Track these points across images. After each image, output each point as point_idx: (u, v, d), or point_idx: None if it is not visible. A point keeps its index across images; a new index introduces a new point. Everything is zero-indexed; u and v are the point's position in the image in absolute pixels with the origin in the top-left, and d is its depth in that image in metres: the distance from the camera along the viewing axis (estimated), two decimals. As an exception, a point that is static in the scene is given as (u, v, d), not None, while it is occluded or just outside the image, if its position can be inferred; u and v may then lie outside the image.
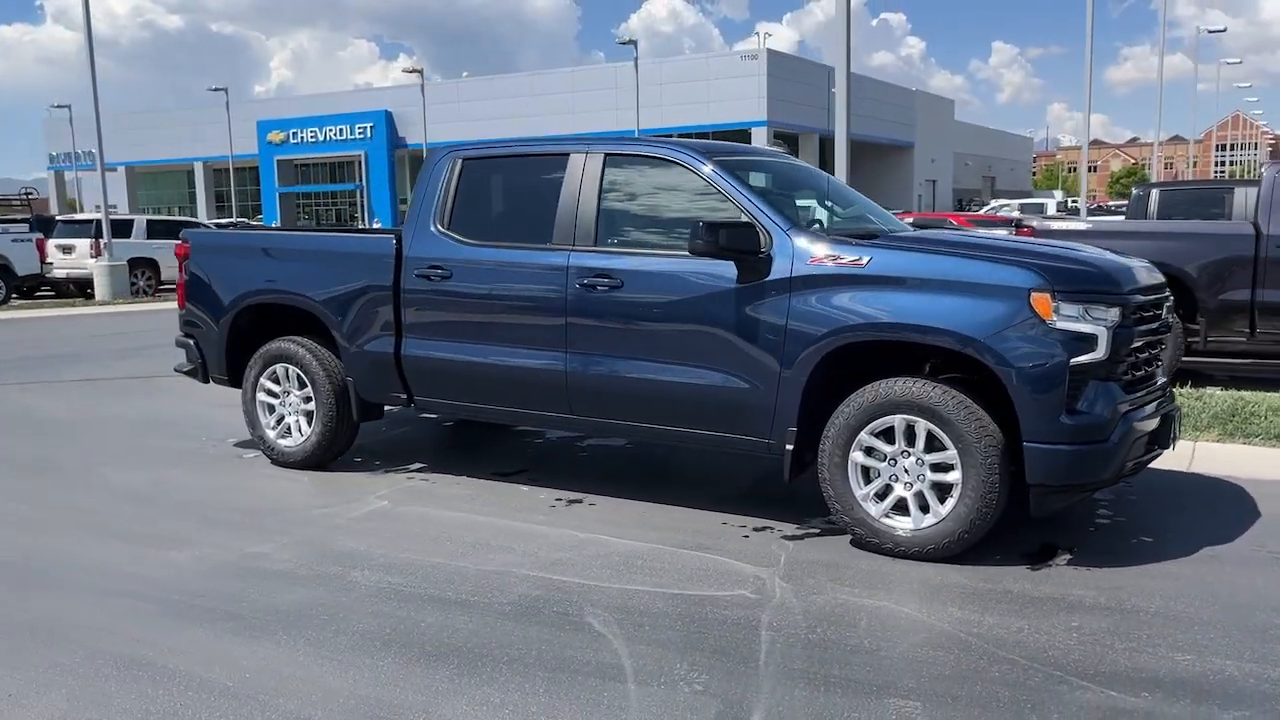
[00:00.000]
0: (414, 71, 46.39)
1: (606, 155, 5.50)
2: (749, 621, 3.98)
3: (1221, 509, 5.45)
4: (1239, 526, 5.10)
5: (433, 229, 5.89)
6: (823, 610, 4.10)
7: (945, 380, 4.65)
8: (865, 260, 4.75)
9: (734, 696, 3.35)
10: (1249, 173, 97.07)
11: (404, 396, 6.11)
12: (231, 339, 6.65)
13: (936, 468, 4.62)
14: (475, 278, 5.72)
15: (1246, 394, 8.00)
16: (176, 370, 7.17)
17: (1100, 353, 4.43)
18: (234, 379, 6.76)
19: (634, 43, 40.23)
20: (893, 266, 4.72)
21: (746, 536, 5.05)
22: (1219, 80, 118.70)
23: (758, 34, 60.31)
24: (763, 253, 4.90)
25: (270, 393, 6.53)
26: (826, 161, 59.85)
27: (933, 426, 4.58)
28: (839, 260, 4.79)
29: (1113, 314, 4.48)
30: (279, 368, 6.46)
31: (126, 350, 12.90)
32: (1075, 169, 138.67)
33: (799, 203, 5.87)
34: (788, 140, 60.06)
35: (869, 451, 4.76)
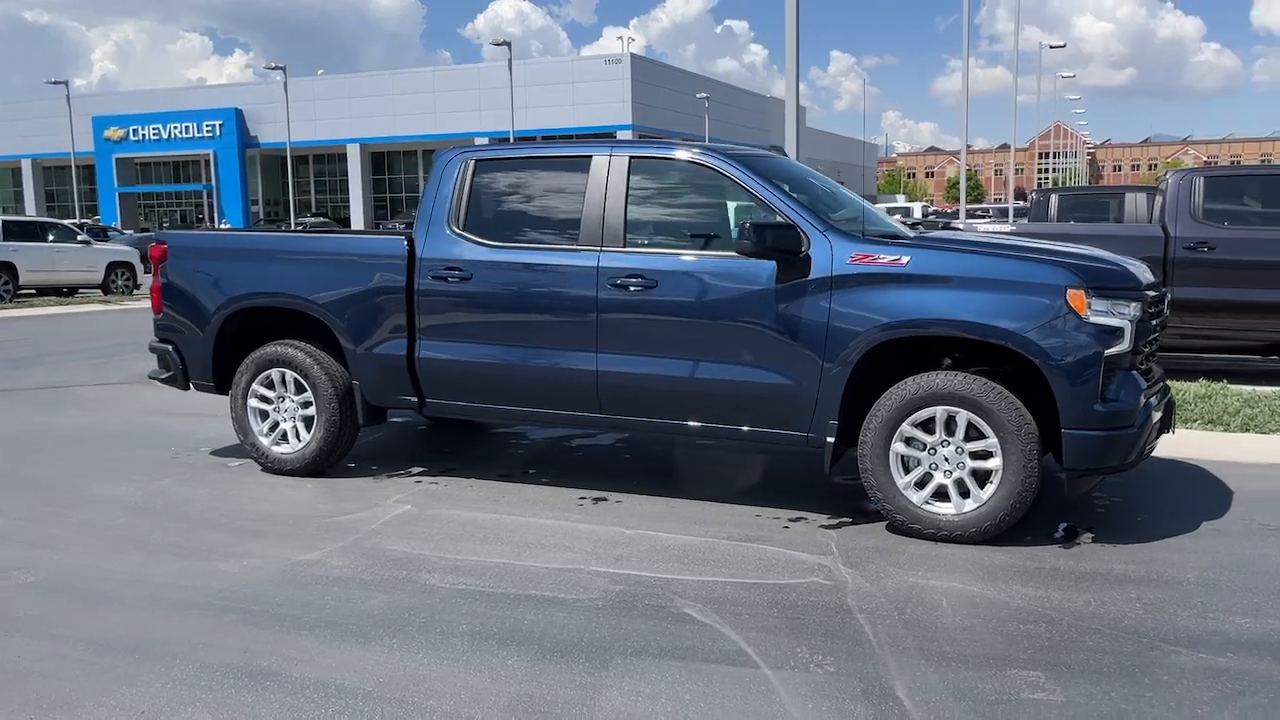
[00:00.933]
0: (276, 68, 44.82)
1: (631, 158, 5.60)
2: (838, 606, 4.16)
3: (1196, 489, 5.93)
4: (1221, 504, 5.57)
5: (448, 230, 5.86)
6: (900, 592, 4.32)
7: (975, 373, 4.94)
8: (905, 260, 4.99)
9: (869, 675, 3.52)
10: (1072, 179, 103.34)
11: (414, 399, 6.05)
12: (219, 344, 6.43)
13: (975, 455, 4.90)
14: (498, 279, 5.72)
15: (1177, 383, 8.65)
16: (151, 377, 6.89)
17: (1125, 344, 4.80)
18: (220, 385, 6.54)
19: (508, 44, 39.97)
20: (932, 266, 4.98)
21: (786, 528, 5.24)
22: (1039, 92, 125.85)
23: (621, 39, 60.83)
24: (803, 253, 5.09)
25: (263, 399, 6.35)
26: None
27: (973, 416, 4.86)
28: (879, 260, 5.02)
29: (1133, 308, 4.86)
30: (274, 373, 6.29)
31: (20, 360, 12.16)
32: (914, 174, 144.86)
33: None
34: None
35: (908, 441, 5.01)
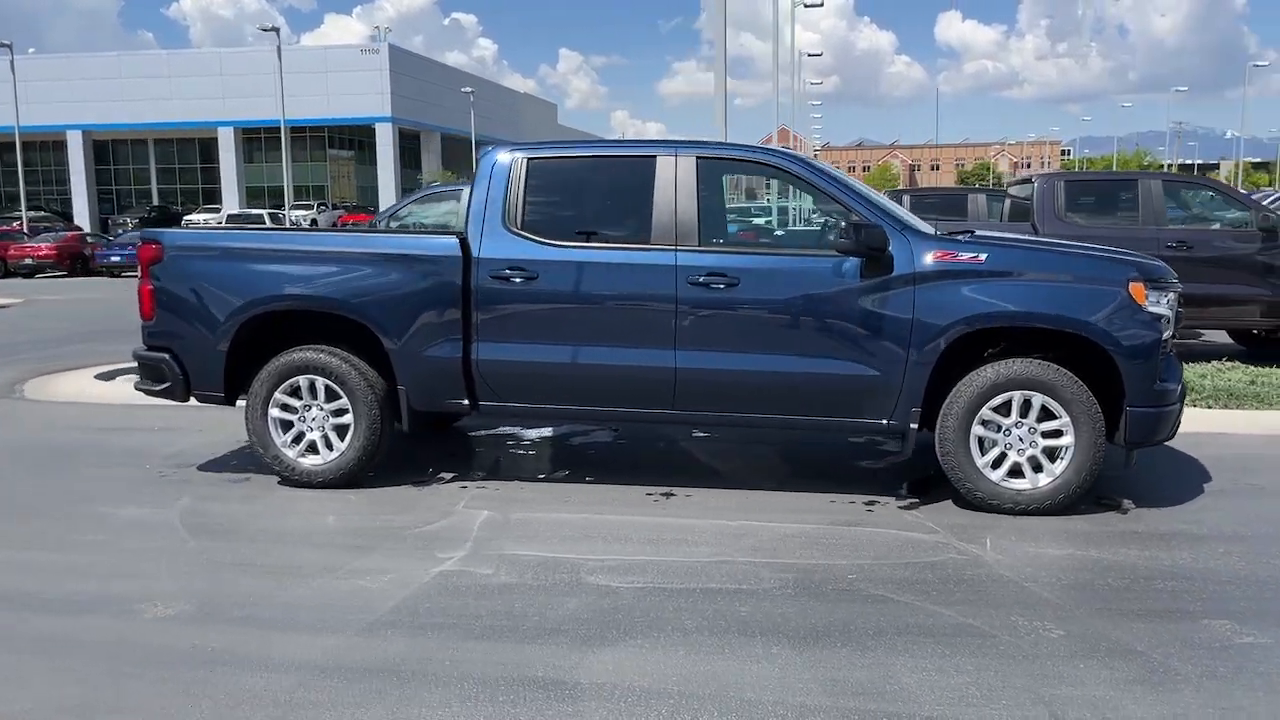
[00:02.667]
0: (3, 45, 40.14)
1: (699, 159, 5.72)
2: (996, 577, 4.52)
3: (1166, 457, 6.72)
4: (1201, 468, 6.36)
5: (506, 230, 5.75)
6: (1035, 561, 4.74)
7: (1040, 359, 5.44)
8: (983, 258, 5.42)
9: (1095, 635, 3.89)
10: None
11: (465, 402, 5.90)
12: (233, 352, 5.98)
13: (1047, 434, 5.40)
14: (567, 279, 5.68)
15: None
16: (138, 389, 6.29)
17: (1170, 330, 5.44)
18: (229, 396, 6.09)
19: (276, 30, 37.82)
20: (1007, 262, 5.44)
21: (870, 511, 5.55)
22: (778, 94, 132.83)
23: (378, 29, 58.71)
24: (887, 251, 5.41)
25: (287, 408, 5.97)
26: (453, 160, 60.03)
27: (1047, 399, 5.36)
28: (960, 257, 5.42)
29: (1172, 298, 5.51)
30: (301, 380, 5.93)
31: None
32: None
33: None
34: (411, 138, 59.47)
35: (984, 424, 5.44)
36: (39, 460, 6.83)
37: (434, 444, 7.12)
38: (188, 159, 63.09)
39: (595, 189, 5.94)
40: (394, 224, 11.40)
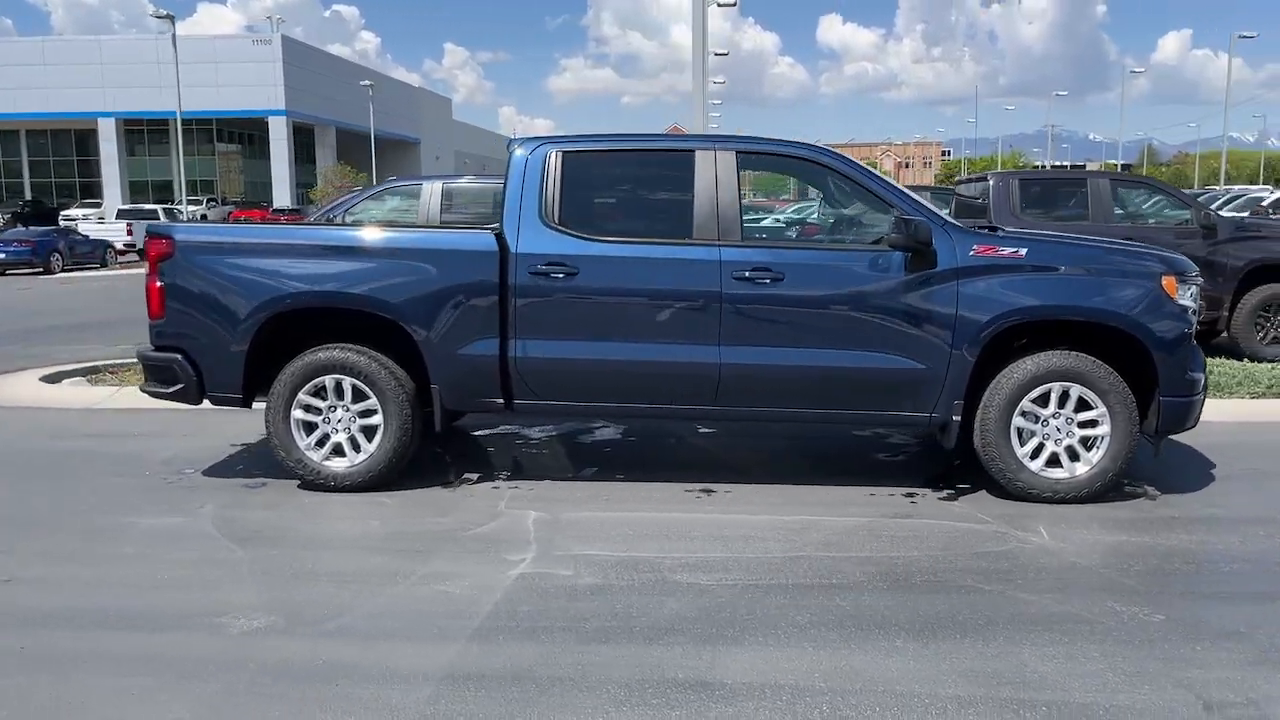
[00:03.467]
0: None
1: (739, 153, 5.70)
2: (1068, 565, 4.62)
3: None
4: (1195, 455, 6.60)
5: (543, 225, 5.64)
6: (1095, 546, 4.87)
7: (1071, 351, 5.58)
8: (1023, 252, 5.53)
9: (1188, 619, 4.00)
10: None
11: (500, 400, 5.76)
12: (253, 351, 5.72)
13: (1083, 424, 5.55)
14: (609, 274, 5.59)
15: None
16: (144, 391, 5.96)
17: (1195, 323, 5.65)
18: (247, 398, 5.83)
19: (170, 17, 36.25)
20: (1047, 257, 5.56)
21: (914, 503, 5.61)
22: (694, 92, 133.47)
23: (270, 19, 56.56)
24: (932, 245, 5.47)
25: (310, 409, 5.74)
26: (349, 155, 58.59)
27: (1085, 390, 5.50)
28: (1001, 252, 5.52)
29: (1195, 291, 5.72)
30: (327, 380, 5.71)
31: None
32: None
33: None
34: (305, 132, 58.00)
35: (1023, 415, 5.56)
36: (26, 470, 6.42)
37: (440, 446, 6.93)
38: (63, 151, 60.25)
39: (632, 183, 5.88)
40: (349, 218, 11.07)
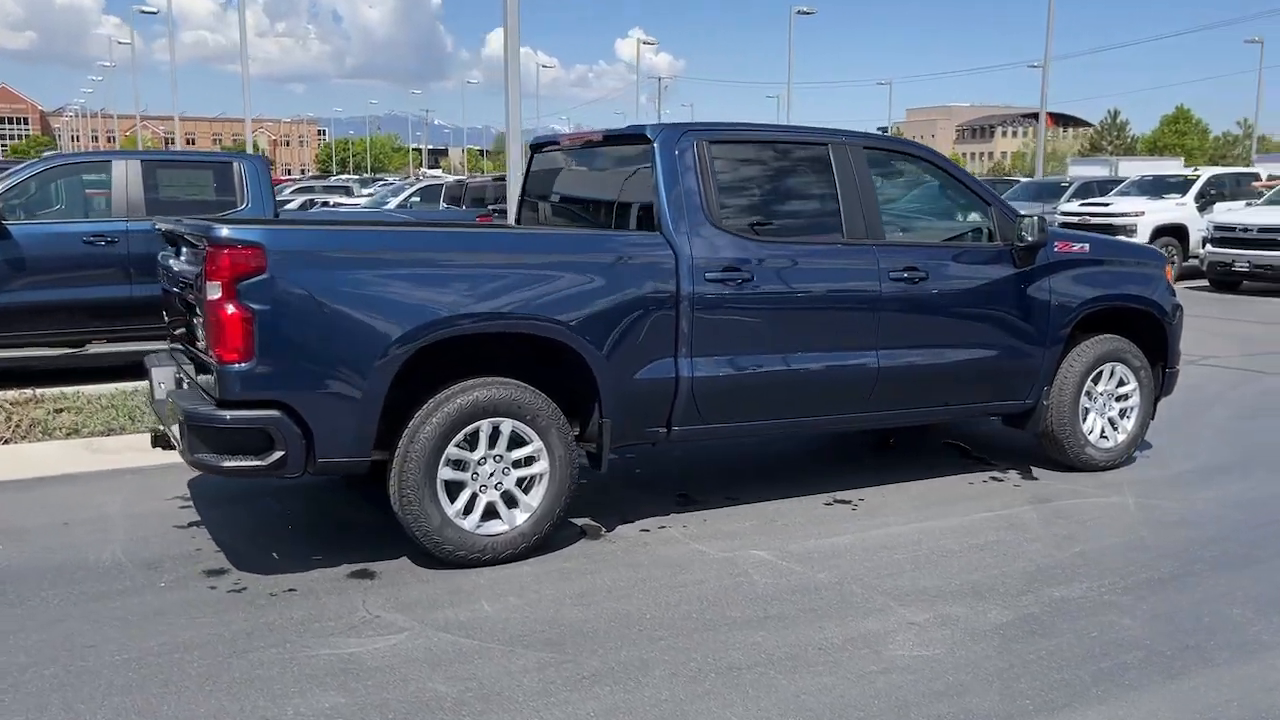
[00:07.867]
0: None
1: (865, 149, 5.50)
2: (1227, 535, 5.10)
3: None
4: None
5: (709, 225, 4.96)
6: (1190, 510, 5.50)
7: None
8: (1087, 248, 6.08)
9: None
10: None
11: (662, 430, 4.98)
12: (390, 396, 4.28)
13: (1118, 399, 6.29)
14: (781, 279, 5.10)
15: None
16: (220, 470, 4.14)
17: (1176, 303, 6.66)
18: (376, 461, 4.37)
19: None
20: (1101, 252, 6.17)
21: (1019, 486, 5.93)
22: None
23: None
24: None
25: (458, 464, 4.47)
26: None
27: (1124, 369, 6.24)
28: (1074, 248, 6.02)
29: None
30: (483, 425, 4.48)
31: None
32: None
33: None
34: None
35: (1088, 395, 6.14)
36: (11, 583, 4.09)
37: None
38: None
39: (771, 177, 5.36)
40: None
